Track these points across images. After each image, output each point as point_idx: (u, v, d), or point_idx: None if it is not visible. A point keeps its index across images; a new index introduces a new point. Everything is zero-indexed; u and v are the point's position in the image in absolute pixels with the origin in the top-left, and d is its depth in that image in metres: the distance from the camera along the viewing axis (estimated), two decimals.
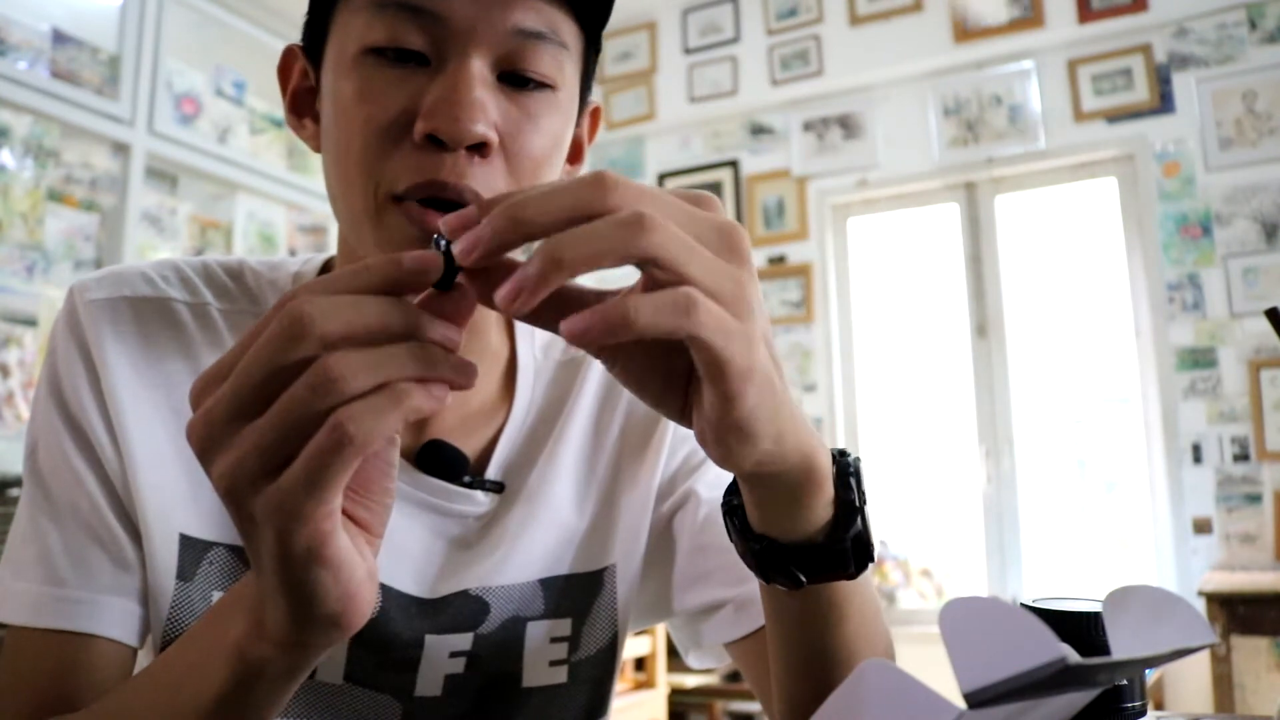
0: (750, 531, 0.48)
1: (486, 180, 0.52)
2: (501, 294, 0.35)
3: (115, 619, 0.56)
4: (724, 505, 0.50)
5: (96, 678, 0.55)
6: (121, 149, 2.84)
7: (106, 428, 0.58)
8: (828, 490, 0.46)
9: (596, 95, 4.49)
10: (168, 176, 3.07)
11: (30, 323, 2.57)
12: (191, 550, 0.58)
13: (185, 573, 0.57)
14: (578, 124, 0.63)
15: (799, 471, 0.44)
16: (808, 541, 0.46)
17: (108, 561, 0.57)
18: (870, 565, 0.48)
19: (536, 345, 0.70)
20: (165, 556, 0.57)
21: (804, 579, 0.47)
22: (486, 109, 0.51)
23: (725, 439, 0.40)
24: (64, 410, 0.58)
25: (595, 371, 0.70)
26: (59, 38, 2.69)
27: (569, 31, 0.55)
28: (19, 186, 2.57)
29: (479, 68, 0.52)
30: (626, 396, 0.70)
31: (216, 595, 0.58)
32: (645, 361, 0.42)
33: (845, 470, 0.47)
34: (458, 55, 0.52)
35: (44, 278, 2.61)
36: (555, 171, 0.58)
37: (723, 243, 0.38)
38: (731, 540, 0.50)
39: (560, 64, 0.55)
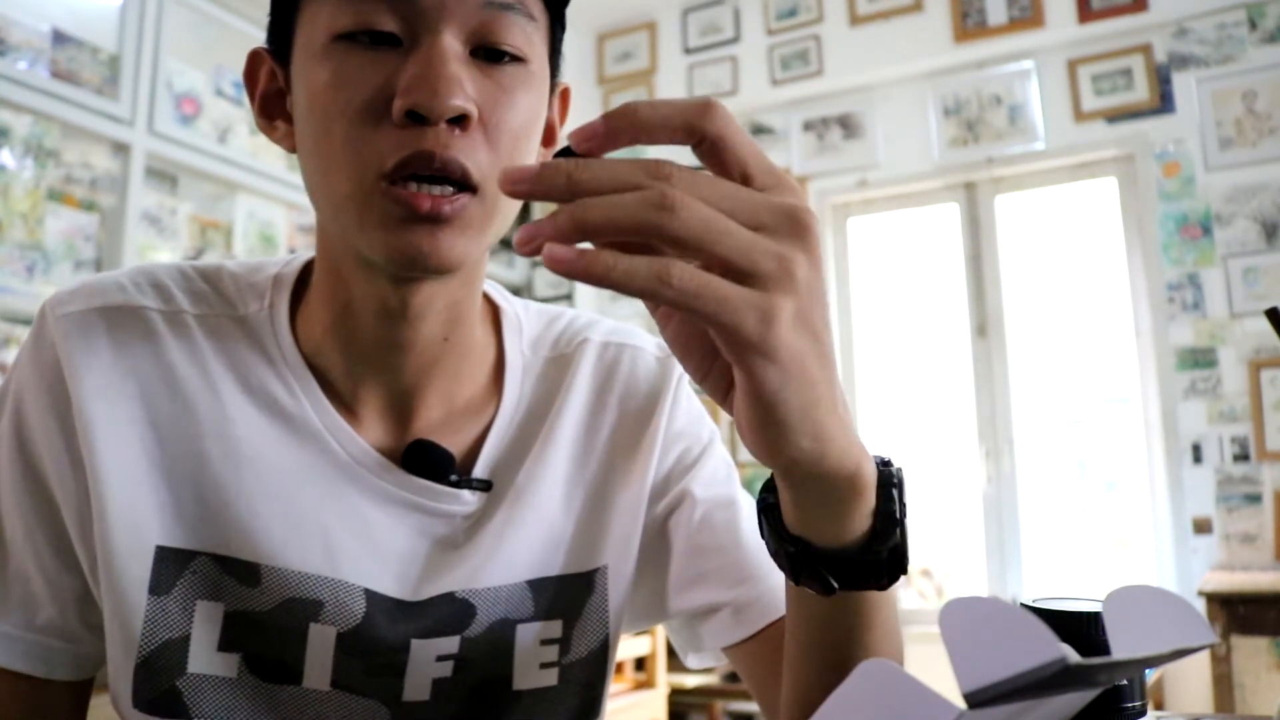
0: (785, 532, 0.46)
1: (469, 152, 0.52)
2: (519, 237, 0.36)
3: (14, 651, 0.59)
4: (760, 503, 0.49)
5: None
6: (121, 149, 2.83)
7: (68, 451, 0.58)
8: (869, 501, 0.44)
9: (597, 95, 4.44)
10: (168, 176, 3.06)
11: (30, 323, 2.56)
12: (170, 562, 0.58)
13: (160, 585, 0.57)
14: (549, 105, 0.63)
15: (840, 478, 0.42)
16: (844, 550, 0.45)
17: (19, 596, 0.59)
18: (903, 577, 0.47)
19: (524, 342, 0.69)
20: (136, 571, 0.57)
21: (836, 586, 0.46)
22: (463, 83, 0.51)
23: (758, 428, 0.40)
24: (20, 436, 0.59)
25: (585, 370, 0.69)
26: (59, 38, 2.69)
27: (535, 4, 0.56)
28: (19, 186, 2.57)
29: (451, 43, 0.52)
30: (618, 396, 0.69)
31: (201, 604, 0.58)
32: (693, 332, 0.44)
33: (888, 480, 0.46)
34: (430, 32, 0.52)
35: (44, 278, 2.60)
36: (532, 148, 0.58)
37: (780, 223, 0.37)
38: (765, 539, 0.48)
39: (529, 36, 0.56)
